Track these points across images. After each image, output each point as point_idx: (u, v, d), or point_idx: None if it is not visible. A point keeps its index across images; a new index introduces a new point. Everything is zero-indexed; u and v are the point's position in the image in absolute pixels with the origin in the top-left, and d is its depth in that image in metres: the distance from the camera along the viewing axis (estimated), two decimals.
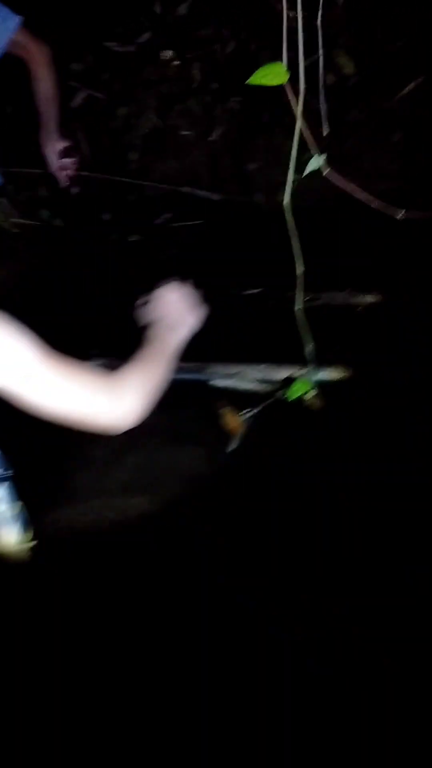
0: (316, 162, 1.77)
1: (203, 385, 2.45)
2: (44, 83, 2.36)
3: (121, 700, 1.75)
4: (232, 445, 2.28)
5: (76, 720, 1.70)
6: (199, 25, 3.59)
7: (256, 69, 1.59)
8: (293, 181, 1.77)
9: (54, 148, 2.42)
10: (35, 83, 2.34)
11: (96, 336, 2.55)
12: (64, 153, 2.44)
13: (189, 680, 1.77)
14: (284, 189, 1.84)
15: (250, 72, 1.61)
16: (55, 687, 1.77)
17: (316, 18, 2.03)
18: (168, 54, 3.57)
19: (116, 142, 3.59)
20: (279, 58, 1.62)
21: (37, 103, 2.36)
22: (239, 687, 1.73)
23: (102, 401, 1.17)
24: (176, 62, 3.58)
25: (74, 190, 2.55)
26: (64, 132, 2.49)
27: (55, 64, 2.42)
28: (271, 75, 1.47)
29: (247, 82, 1.53)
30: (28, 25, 2.36)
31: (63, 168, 2.46)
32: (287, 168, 1.81)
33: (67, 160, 2.45)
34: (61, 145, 2.43)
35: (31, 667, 1.79)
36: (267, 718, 1.68)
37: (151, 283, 1.72)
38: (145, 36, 3.66)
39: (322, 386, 2.36)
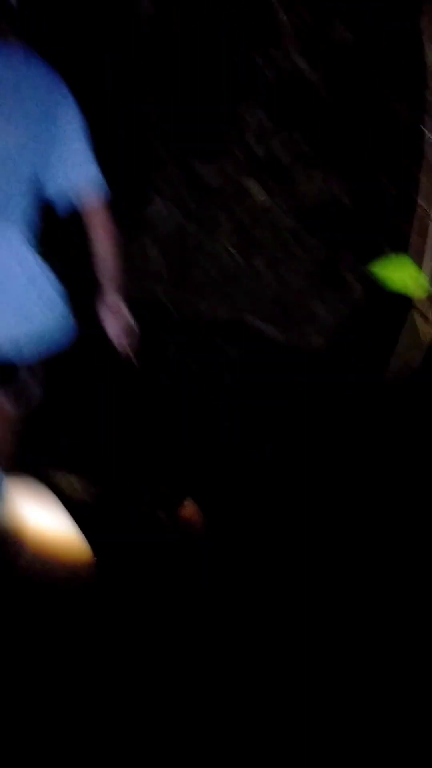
0: None
1: None
2: (101, 258, 2.17)
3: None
4: None
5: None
6: (292, 163, 3.62)
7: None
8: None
9: (114, 320, 2.23)
10: (95, 255, 2.16)
11: None
12: (125, 328, 2.25)
13: None
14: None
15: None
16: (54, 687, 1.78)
17: None
18: (253, 185, 3.59)
19: (187, 272, 3.59)
20: None
21: (93, 264, 2.20)
22: None
23: None
24: (261, 198, 3.59)
25: (136, 363, 2.33)
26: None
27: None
28: (407, 280, 1.38)
29: (371, 270, 1.46)
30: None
31: (119, 336, 2.25)
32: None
33: (124, 333, 2.26)
34: (112, 300, 2.22)
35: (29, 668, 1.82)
36: None
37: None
38: (233, 165, 3.70)
39: None
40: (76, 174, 2.09)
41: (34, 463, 2.45)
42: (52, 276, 2.12)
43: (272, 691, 1.77)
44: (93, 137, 2.17)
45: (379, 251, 2.99)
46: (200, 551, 2.20)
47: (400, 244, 3.03)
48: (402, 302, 2.74)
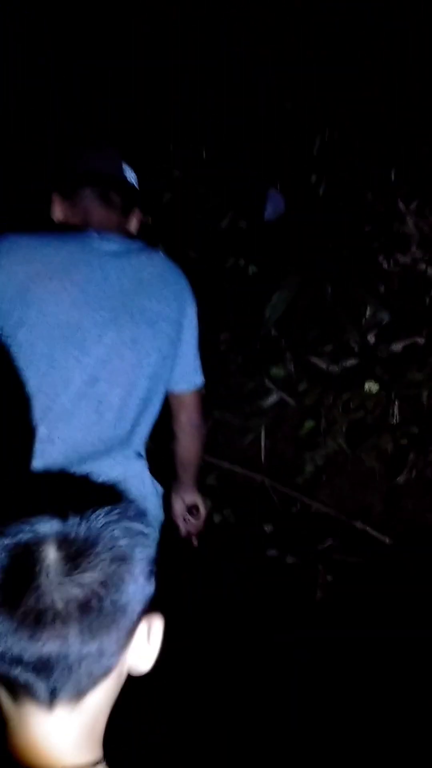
0: None
1: None
2: (184, 449, 2.15)
3: None
4: None
5: None
6: (412, 366, 3.53)
7: None
8: None
9: (183, 500, 2.24)
10: (176, 444, 2.15)
11: None
12: (190, 509, 2.27)
13: None
14: None
15: None
16: None
17: None
18: (373, 386, 3.49)
19: (295, 457, 3.45)
20: None
21: (174, 459, 2.19)
22: None
23: None
24: (379, 395, 3.48)
25: (194, 542, 2.36)
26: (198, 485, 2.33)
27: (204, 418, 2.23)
28: None
29: None
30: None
31: (185, 520, 2.28)
32: None
33: (190, 518, 2.28)
34: (190, 500, 2.25)
35: None
36: None
37: None
38: (352, 362, 3.63)
39: None
40: (186, 382, 2.03)
41: None
42: (159, 490, 2.01)
43: None
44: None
45: None
46: None
47: None
48: None
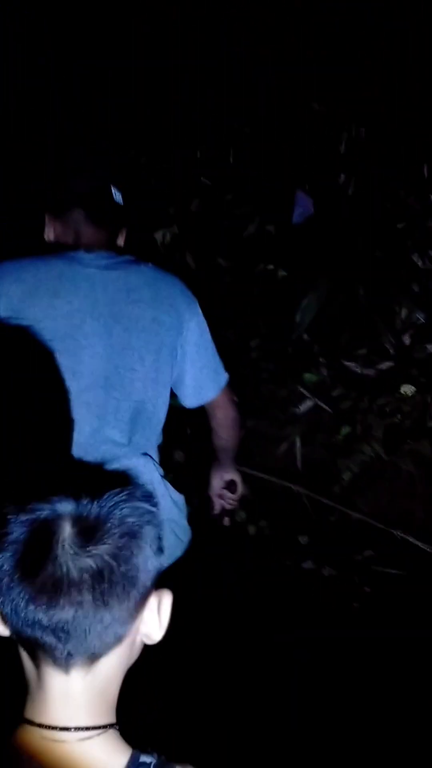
0: None
1: None
2: (222, 441, 2.27)
3: None
4: None
5: None
6: None
7: None
8: None
9: (221, 477, 2.36)
10: (214, 436, 2.26)
11: None
12: (228, 485, 2.39)
13: None
14: None
15: None
16: None
17: None
18: (409, 389, 3.38)
19: (331, 465, 3.35)
20: None
21: (213, 446, 2.30)
22: None
23: None
24: (415, 398, 3.36)
25: (225, 521, 2.48)
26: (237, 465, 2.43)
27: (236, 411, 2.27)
28: None
29: None
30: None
31: (221, 497, 2.40)
32: None
33: (228, 492, 2.39)
34: (229, 477, 2.37)
35: None
36: None
37: None
38: (387, 364, 3.52)
39: None
40: (212, 388, 2.11)
41: None
42: (177, 498, 2.08)
43: None
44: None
45: None
46: None
47: None
48: None
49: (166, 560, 1.07)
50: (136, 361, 1.93)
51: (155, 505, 1.04)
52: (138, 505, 1.01)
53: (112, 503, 1.00)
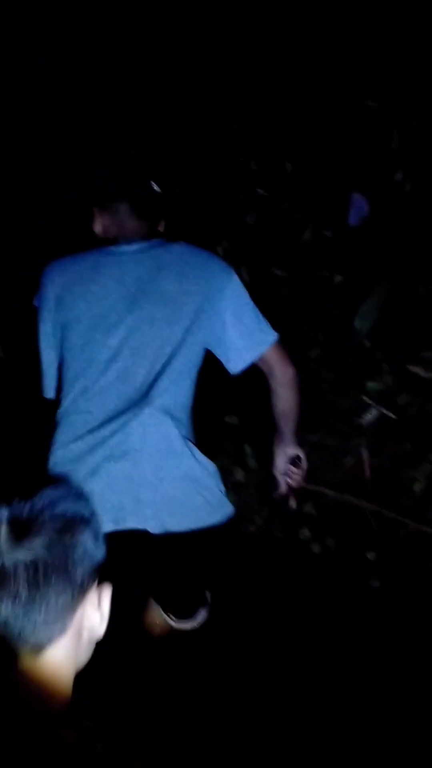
0: None
1: None
2: (282, 402, 2.31)
3: None
4: None
5: None
6: None
7: None
8: None
9: (285, 453, 2.38)
10: (274, 397, 2.30)
11: None
12: (293, 461, 2.38)
13: None
14: None
15: None
16: None
17: None
18: None
19: (400, 476, 3.14)
20: None
21: (273, 414, 2.34)
22: None
23: None
24: None
25: (291, 503, 2.44)
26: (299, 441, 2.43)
27: (298, 385, 2.32)
28: None
29: None
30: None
31: (286, 474, 2.39)
32: None
33: (293, 468, 2.38)
34: (292, 452, 2.38)
35: None
36: None
37: None
38: None
39: None
40: (257, 346, 2.21)
41: None
42: (204, 461, 2.16)
43: None
44: None
45: None
46: None
47: None
48: None
49: (102, 553, 1.15)
50: (163, 329, 2.12)
51: (87, 501, 1.13)
52: (70, 505, 1.10)
53: (46, 501, 1.08)
